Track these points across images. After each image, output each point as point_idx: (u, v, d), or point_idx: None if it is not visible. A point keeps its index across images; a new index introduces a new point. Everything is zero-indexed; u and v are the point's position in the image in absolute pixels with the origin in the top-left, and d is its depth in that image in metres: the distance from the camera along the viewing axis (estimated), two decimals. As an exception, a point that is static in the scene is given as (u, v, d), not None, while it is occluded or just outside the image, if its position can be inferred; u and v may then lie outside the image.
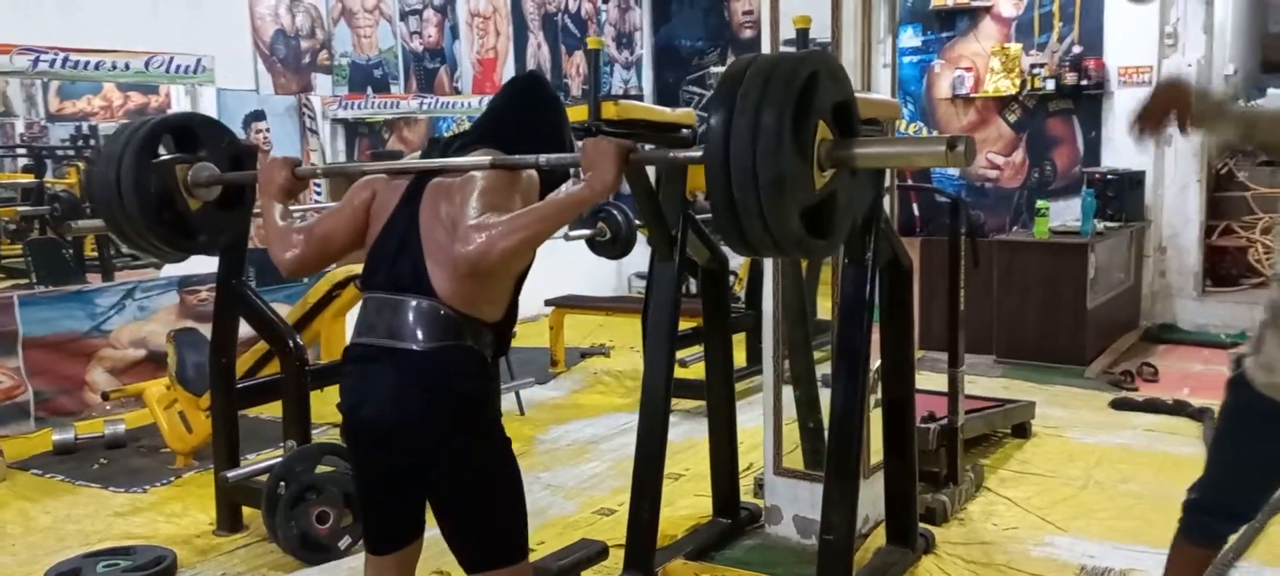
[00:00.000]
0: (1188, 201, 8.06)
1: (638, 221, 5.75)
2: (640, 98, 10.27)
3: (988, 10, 8.51)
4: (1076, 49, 8.13)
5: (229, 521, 4.05)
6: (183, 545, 3.92)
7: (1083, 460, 4.83)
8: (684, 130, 3.63)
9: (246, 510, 4.08)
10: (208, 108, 6.17)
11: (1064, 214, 7.69)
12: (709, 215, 2.19)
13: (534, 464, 4.89)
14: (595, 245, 5.52)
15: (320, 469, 3.85)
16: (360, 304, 2.31)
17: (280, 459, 3.86)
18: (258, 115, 7.10)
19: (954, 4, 8.57)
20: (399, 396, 2.15)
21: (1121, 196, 7.56)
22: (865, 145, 2.17)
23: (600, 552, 3.25)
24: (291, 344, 3.88)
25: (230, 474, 3.90)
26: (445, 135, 2.55)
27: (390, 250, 2.24)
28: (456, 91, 8.41)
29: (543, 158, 2.26)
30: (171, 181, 2.78)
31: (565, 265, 9.10)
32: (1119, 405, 5.84)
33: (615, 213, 5.50)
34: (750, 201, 1.94)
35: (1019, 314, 6.85)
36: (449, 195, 2.18)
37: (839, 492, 3.14)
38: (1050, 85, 8.14)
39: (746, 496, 4.10)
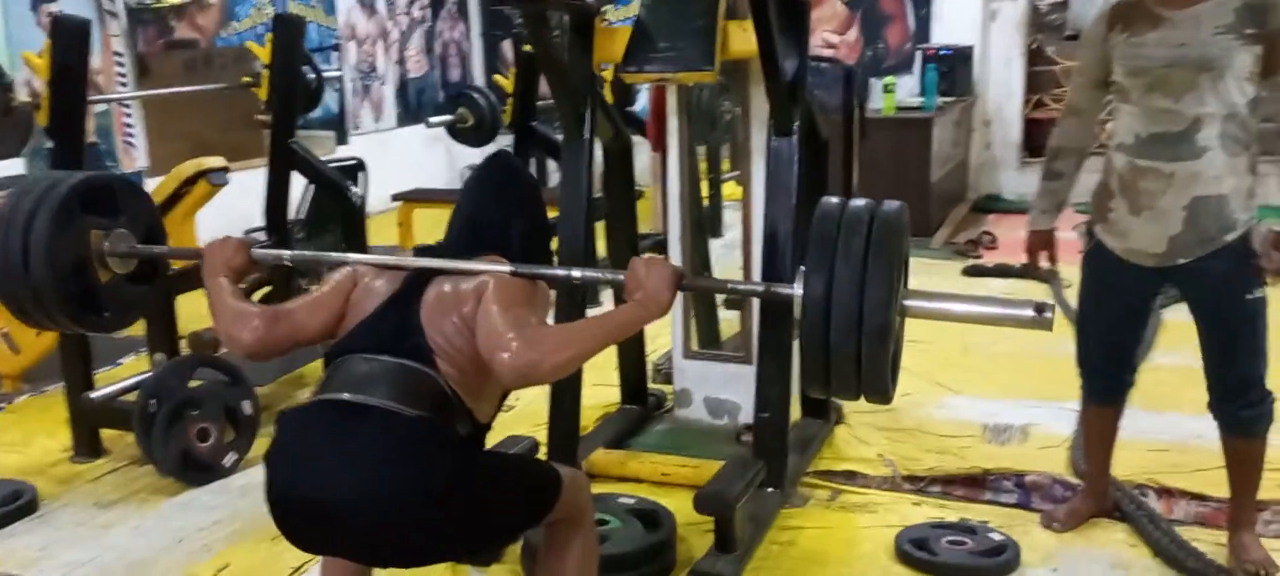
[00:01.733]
0: (1012, 76, 8.42)
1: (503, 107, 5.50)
2: (466, -21, 9.79)
3: (820, -114, 8.49)
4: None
5: (88, 446, 3.65)
6: (37, 476, 3.51)
7: (952, 326, 4.99)
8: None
9: (105, 432, 3.69)
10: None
11: (899, 90, 7.88)
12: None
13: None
14: (456, 132, 5.22)
15: (193, 382, 3.51)
16: (330, 367, 1.95)
17: (150, 374, 3.48)
18: (48, -4, 6.29)
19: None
20: (383, 463, 1.79)
21: (954, 72, 7.81)
22: (940, 301, 2.19)
23: (532, 448, 3.10)
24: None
25: (93, 394, 3.49)
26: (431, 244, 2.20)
27: (380, 326, 1.96)
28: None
29: (577, 272, 2.16)
30: (86, 249, 2.38)
31: (400, 155, 8.73)
32: (971, 272, 6.10)
33: (478, 97, 5.21)
34: (850, 346, 1.94)
35: (870, 189, 6.97)
36: (459, 298, 1.96)
37: (774, 369, 3.11)
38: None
39: (646, 381, 4.02)
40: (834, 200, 2.09)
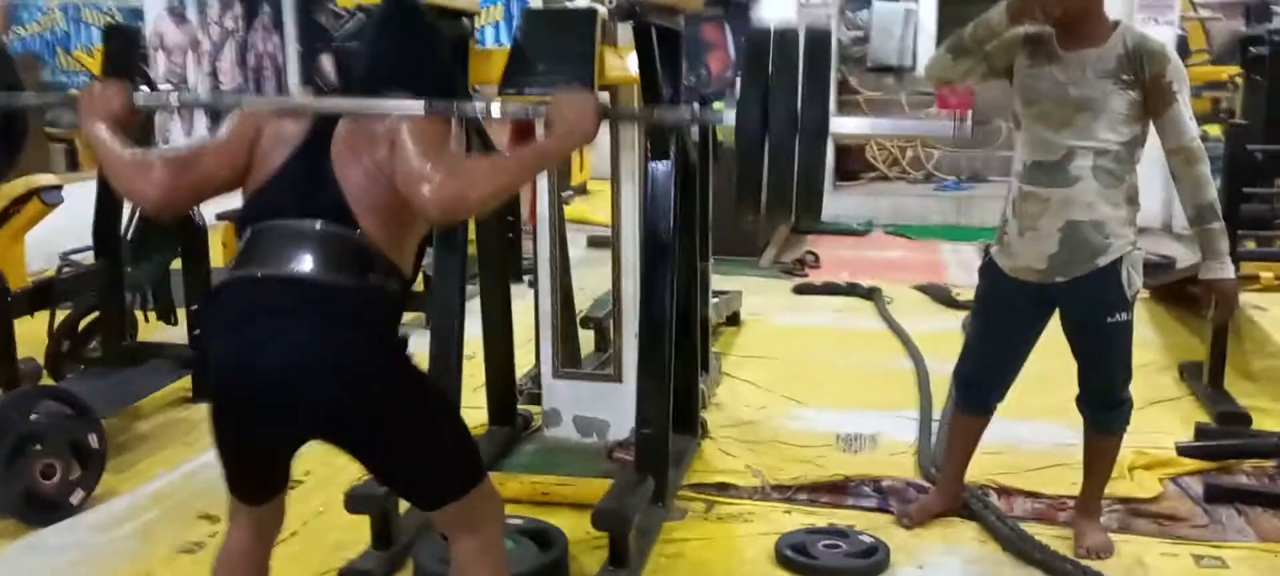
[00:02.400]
0: (823, 104, 8.88)
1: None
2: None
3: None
4: (728, -42, 8.61)
5: (-91, 490, 3.32)
6: None
7: (792, 341, 5.27)
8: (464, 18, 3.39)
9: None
10: None
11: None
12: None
13: (259, 390, 4.49)
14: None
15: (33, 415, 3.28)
16: (246, 237, 1.93)
17: (-14, 408, 3.22)
18: None
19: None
20: (311, 337, 1.83)
21: (774, 99, 8.18)
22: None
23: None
24: (-12, 272, 3.22)
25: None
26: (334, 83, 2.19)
27: (294, 181, 1.92)
28: (76, -25, 7.27)
29: (496, 106, 2.07)
30: None
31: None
32: (801, 290, 6.41)
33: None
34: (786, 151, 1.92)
35: (703, 210, 7.23)
36: (371, 141, 1.91)
37: (654, 387, 3.21)
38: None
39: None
40: (763, 26, 2.10)
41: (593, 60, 3.24)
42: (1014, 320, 2.94)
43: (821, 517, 3.30)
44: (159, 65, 8.14)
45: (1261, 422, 3.93)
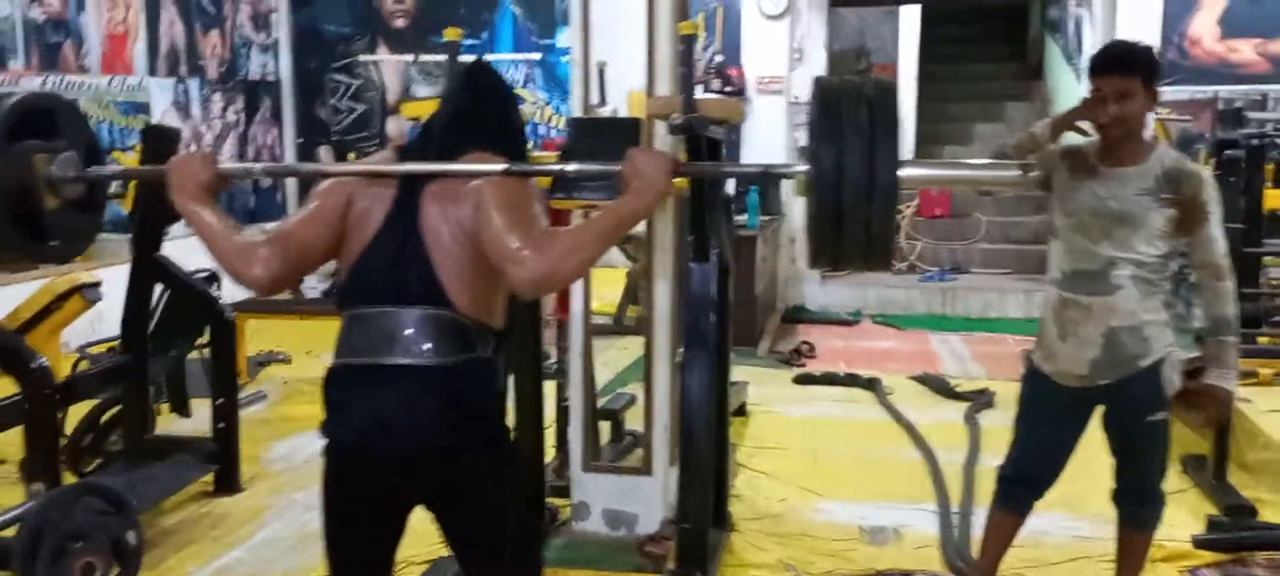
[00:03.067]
0: (812, 197, 9.10)
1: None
2: (279, 84, 9.62)
3: (640, 17, 8.99)
4: (719, 58, 8.87)
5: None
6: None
7: (800, 432, 5.36)
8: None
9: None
10: None
11: (717, 209, 8.37)
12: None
13: (279, 484, 4.50)
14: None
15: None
16: (345, 322, 2.05)
17: (30, 506, 3.23)
18: None
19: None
20: (420, 419, 1.96)
21: (767, 193, 8.38)
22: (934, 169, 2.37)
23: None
24: (34, 365, 3.25)
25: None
26: (415, 138, 2.27)
27: (386, 260, 2.01)
28: (83, 69, 7.36)
29: (572, 167, 2.23)
30: (29, 175, 2.18)
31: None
32: (801, 381, 6.51)
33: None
34: (858, 213, 1.99)
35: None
36: (457, 202, 2.01)
37: (695, 481, 3.28)
38: (700, 91, 8.79)
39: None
40: (830, 77, 2.19)
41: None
42: (1058, 422, 3.03)
43: (858, 612, 3.36)
44: (159, 156, 8.21)
45: (1264, 514, 4.05)
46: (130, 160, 7.44)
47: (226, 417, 4.27)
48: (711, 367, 3.30)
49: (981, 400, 5.79)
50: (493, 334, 2.07)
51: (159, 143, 4.00)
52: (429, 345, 1.97)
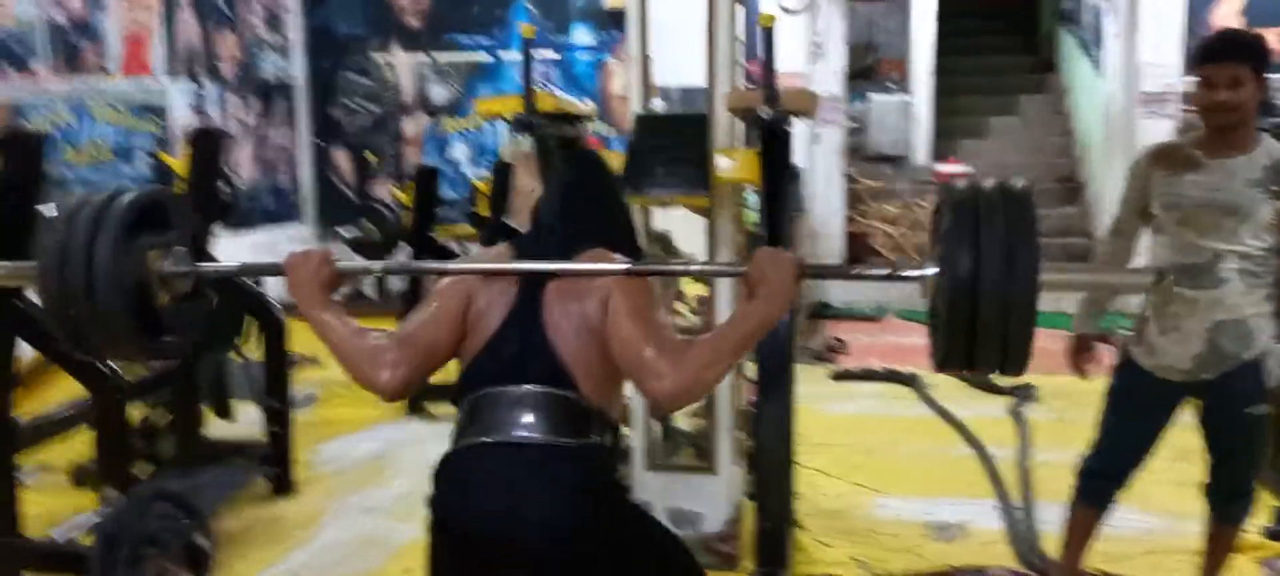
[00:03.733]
0: (833, 194, 9.10)
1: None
2: (292, 86, 9.56)
3: (656, 13, 8.95)
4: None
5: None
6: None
7: (846, 429, 5.33)
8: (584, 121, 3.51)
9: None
10: None
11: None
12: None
13: (332, 487, 4.46)
14: (361, 246, 5.11)
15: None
16: (466, 408, 1.99)
17: (105, 512, 3.18)
18: None
19: (624, 6, 8.90)
20: (541, 498, 1.89)
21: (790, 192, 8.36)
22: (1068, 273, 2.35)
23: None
24: (104, 369, 3.20)
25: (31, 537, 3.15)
26: (526, 234, 2.22)
27: (511, 350, 1.97)
28: (104, 71, 7.29)
29: (696, 267, 2.10)
30: (145, 271, 2.14)
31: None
32: (840, 377, 6.44)
33: (383, 210, 5.14)
34: (995, 324, 1.79)
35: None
36: (579, 299, 1.97)
37: (774, 479, 3.25)
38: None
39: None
40: (970, 183, 1.92)
41: (706, 163, 3.35)
42: (1150, 417, 3.00)
43: (937, 609, 3.33)
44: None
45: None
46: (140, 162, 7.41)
47: (280, 421, 4.22)
48: (786, 366, 3.26)
49: (1024, 394, 5.75)
50: (612, 429, 2.02)
51: (207, 146, 3.95)
52: (565, 427, 1.92)
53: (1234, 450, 2.95)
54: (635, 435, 3.91)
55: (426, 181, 5.44)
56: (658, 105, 5.90)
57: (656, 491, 3.90)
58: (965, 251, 1.79)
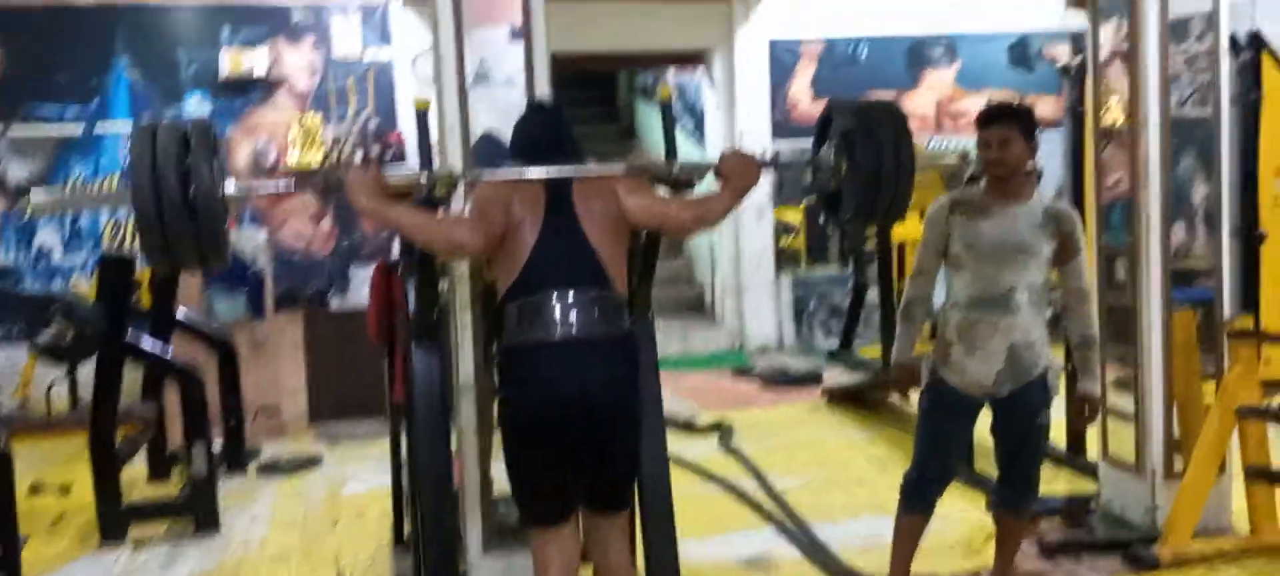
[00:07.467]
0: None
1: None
2: None
3: (281, 83, 8.46)
4: (375, 122, 8.61)
5: None
6: None
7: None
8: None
9: None
10: None
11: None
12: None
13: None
14: (53, 351, 4.28)
15: None
16: (527, 302, 2.63)
17: None
18: None
19: (243, 75, 8.30)
20: (619, 374, 2.70)
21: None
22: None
23: None
24: None
25: None
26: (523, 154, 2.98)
27: (559, 253, 2.68)
28: None
29: (677, 164, 2.98)
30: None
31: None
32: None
33: (79, 308, 4.37)
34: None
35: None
36: (601, 196, 2.75)
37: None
38: (359, 155, 8.48)
39: None
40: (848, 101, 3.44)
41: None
42: (959, 428, 3.52)
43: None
44: None
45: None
46: None
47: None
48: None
49: (727, 431, 6.30)
50: (630, 314, 2.84)
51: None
52: (615, 319, 2.70)
53: (1027, 453, 3.50)
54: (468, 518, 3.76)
55: (115, 273, 4.68)
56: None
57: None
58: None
